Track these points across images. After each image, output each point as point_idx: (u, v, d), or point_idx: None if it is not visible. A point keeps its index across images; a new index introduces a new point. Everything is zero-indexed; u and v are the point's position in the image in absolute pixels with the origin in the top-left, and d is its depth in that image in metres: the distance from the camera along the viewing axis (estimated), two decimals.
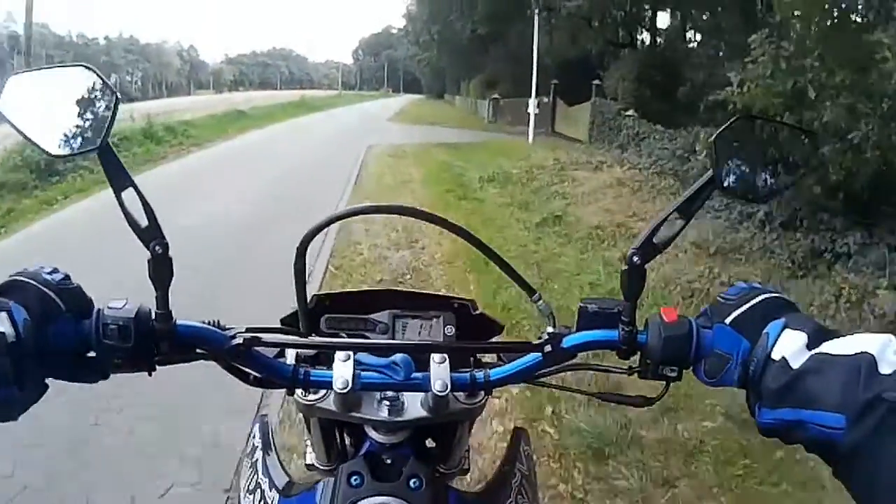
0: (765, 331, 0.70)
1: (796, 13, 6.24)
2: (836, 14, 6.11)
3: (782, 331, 0.69)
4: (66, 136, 0.76)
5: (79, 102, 0.76)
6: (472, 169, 12.53)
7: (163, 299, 0.73)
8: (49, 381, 0.69)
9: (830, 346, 0.65)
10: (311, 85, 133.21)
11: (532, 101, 18.32)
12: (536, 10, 18.00)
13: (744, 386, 0.73)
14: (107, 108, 0.76)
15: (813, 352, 0.65)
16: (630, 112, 14.02)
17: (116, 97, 0.76)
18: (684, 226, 0.78)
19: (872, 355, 0.61)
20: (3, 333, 0.61)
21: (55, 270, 0.73)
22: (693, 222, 0.79)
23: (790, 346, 0.67)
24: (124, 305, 0.73)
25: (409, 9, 44.91)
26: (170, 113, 20.43)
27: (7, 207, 8.97)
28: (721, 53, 13.47)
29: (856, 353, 0.62)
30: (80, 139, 0.76)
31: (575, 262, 6.42)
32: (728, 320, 0.75)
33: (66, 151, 0.77)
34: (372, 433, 0.89)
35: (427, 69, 56.06)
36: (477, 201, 9.64)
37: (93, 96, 0.77)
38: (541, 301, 0.89)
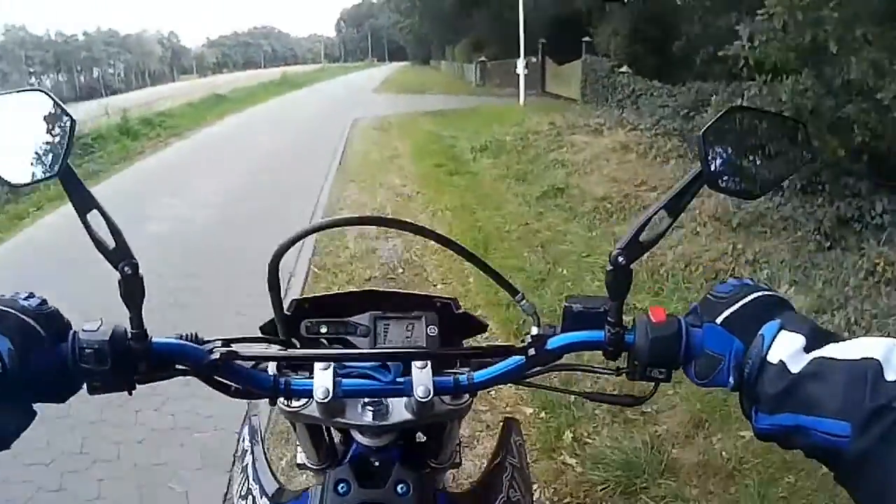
0: (760, 332, 0.69)
1: None
2: None
3: (778, 332, 0.68)
4: (24, 163, 0.74)
5: (35, 128, 0.75)
6: (463, 138, 12.01)
7: (137, 319, 0.74)
8: (37, 405, 0.70)
9: (832, 350, 0.63)
10: (295, 61, 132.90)
11: (521, 62, 17.80)
12: None
13: (737, 388, 0.71)
14: (63, 131, 0.74)
15: (813, 355, 0.64)
16: (624, 69, 13.56)
17: (72, 120, 0.74)
18: (671, 223, 0.78)
19: (878, 361, 0.59)
20: None
21: (31, 295, 0.74)
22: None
23: (787, 349, 0.66)
24: (99, 327, 0.73)
25: None
26: (150, 103, 20.14)
27: None
28: (714, 3, 12.94)
29: (860, 359, 0.60)
30: (39, 166, 0.74)
31: (583, 241, 5.94)
32: (719, 319, 0.73)
33: (26, 180, 0.75)
34: (358, 437, 0.91)
35: (410, 36, 55.67)
36: (470, 175, 9.12)
37: (49, 121, 0.75)
38: (524, 301, 0.89)
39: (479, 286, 4.74)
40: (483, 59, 28.14)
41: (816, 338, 0.65)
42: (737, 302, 0.73)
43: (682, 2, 8.46)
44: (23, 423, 0.68)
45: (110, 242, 0.72)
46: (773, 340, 0.67)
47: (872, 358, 0.59)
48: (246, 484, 1.07)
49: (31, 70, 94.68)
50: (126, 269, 0.72)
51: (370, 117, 16.61)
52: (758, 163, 0.79)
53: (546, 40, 19.71)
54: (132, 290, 0.73)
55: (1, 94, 0.78)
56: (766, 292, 0.74)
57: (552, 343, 0.81)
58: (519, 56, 17.90)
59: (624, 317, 0.79)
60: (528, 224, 6.50)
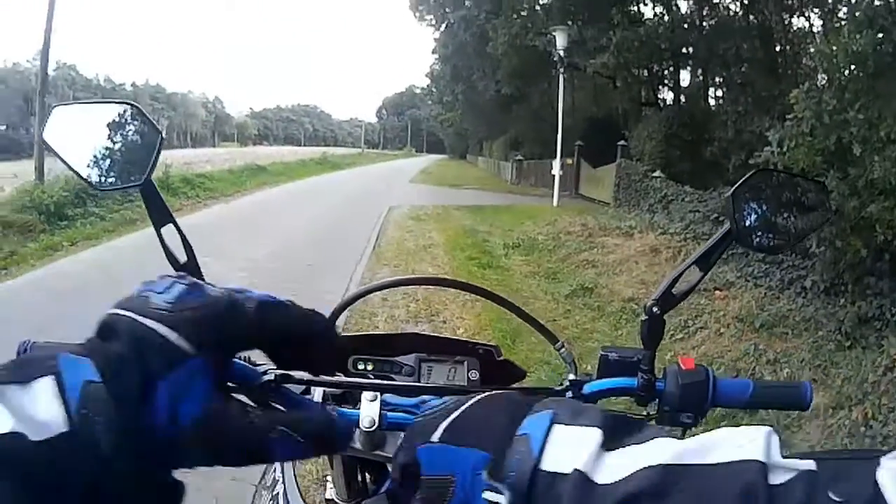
0: None
1: (836, 62, 5.82)
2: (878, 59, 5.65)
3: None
4: (109, 170, 0.78)
5: (123, 138, 0.80)
6: (497, 234, 12.16)
7: None
8: None
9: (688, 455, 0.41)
10: (334, 142, 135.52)
11: (556, 163, 18.03)
12: (560, 69, 17.76)
13: None
14: (150, 146, 0.77)
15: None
16: (657, 173, 13.67)
17: (161, 136, 0.77)
18: (702, 277, 0.81)
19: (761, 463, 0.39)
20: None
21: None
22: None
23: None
24: None
25: (432, 68, 45.37)
26: (191, 164, 20.55)
27: (9, 250, 8.59)
28: (746, 109, 13.20)
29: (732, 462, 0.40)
30: (123, 174, 0.78)
31: (609, 338, 5.95)
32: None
33: (110, 185, 0.79)
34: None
35: (450, 129, 56.71)
36: (502, 270, 9.18)
37: (137, 134, 0.80)
38: (563, 349, 0.95)
39: None
40: (520, 157, 28.44)
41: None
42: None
43: (715, 108, 8.67)
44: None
45: (182, 257, 0.75)
46: None
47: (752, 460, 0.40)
48: None
49: None
50: None
51: (406, 206, 16.82)
52: (782, 221, 0.84)
53: (582, 142, 19.96)
54: None
55: (94, 101, 0.83)
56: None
57: (588, 388, 0.85)
58: (555, 156, 18.13)
59: (655, 364, 0.83)
60: (555, 320, 6.49)
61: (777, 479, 0.39)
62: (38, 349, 0.66)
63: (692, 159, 13.50)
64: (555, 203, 17.12)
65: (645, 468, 0.41)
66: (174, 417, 0.42)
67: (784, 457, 0.40)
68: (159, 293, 0.47)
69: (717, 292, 6.43)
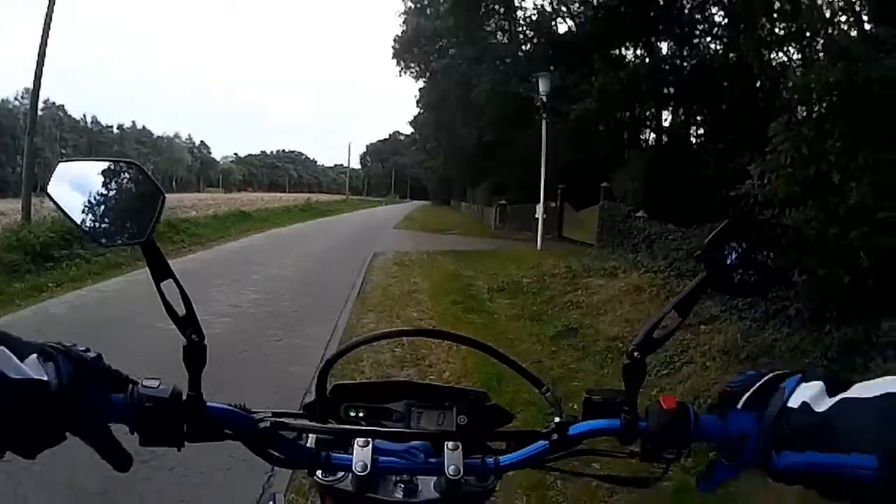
0: (781, 385, 0.73)
1: (813, 94, 5.97)
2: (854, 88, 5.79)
3: (798, 383, 0.71)
4: (112, 226, 0.82)
5: (126, 195, 0.83)
6: (481, 278, 12.17)
7: (194, 383, 0.79)
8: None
9: (856, 391, 0.66)
10: (319, 188, 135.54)
11: (539, 207, 18.17)
12: (543, 115, 18.02)
13: (760, 459, 0.72)
14: (153, 203, 0.80)
15: (837, 398, 0.66)
16: (640, 213, 13.77)
17: (163, 195, 0.81)
18: (681, 322, 0.84)
19: None
20: (47, 381, 0.67)
21: (88, 350, 0.76)
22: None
23: (809, 393, 0.69)
24: (158, 385, 0.77)
25: (416, 116, 45.87)
26: (175, 209, 20.85)
27: None
28: (727, 145, 13.42)
29: (883, 394, 0.63)
30: (125, 231, 0.82)
31: (594, 378, 5.97)
32: (740, 405, 0.77)
33: (113, 241, 0.83)
34: None
35: (433, 175, 57.07)
36: (487, 313, 9.17)
37: (139, 192, 0.83)
38: (549, 393, 0.98)
39: None
40: (503, 202, 28.57)
41: (837, 383, 0.69)
42: (752, 385, 0.77)
43: (697, 146, 8.85)
44: (51, 441, 0.69)
45: (181, 310, 0.78)
46: (795, 389, 0.71)
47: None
48: None
49: (63, 151, 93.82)
50: (193, 336, 0.79)
51: (391, 252, 16.83)
52: (757, 264, 0.87)
53: (565, 185, 20.10)
54: (194, 356, 0.79)
55: (98, 158, 0.85)
56: (781, 371, 0.78)
57: (573, 430, 0.88)
58: (538, 200, 18.28)
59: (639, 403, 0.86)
60: (541, 361, 6.50)
61: None
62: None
63: (675, 197, 13.62)
64: (539, 246, 17.22)
65: (837, 401, 0.66)
66: None
67: None
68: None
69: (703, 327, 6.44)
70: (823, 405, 0.67)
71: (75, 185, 0.81)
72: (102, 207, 0.81)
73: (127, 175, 0.83)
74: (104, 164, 0.84)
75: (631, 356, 0.84)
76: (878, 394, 0.63)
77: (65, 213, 0.79)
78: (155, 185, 0.82)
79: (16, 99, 74.05)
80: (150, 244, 0.77)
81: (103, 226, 0.81)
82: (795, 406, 0.69)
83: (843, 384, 0.68)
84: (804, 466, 0.67)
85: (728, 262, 0.86)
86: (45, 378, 0.66)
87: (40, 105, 15.89)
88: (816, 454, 0.65)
